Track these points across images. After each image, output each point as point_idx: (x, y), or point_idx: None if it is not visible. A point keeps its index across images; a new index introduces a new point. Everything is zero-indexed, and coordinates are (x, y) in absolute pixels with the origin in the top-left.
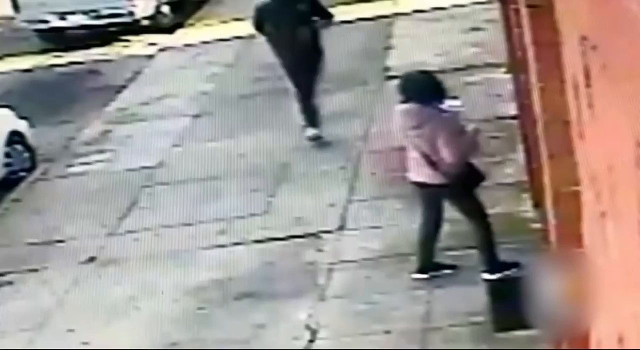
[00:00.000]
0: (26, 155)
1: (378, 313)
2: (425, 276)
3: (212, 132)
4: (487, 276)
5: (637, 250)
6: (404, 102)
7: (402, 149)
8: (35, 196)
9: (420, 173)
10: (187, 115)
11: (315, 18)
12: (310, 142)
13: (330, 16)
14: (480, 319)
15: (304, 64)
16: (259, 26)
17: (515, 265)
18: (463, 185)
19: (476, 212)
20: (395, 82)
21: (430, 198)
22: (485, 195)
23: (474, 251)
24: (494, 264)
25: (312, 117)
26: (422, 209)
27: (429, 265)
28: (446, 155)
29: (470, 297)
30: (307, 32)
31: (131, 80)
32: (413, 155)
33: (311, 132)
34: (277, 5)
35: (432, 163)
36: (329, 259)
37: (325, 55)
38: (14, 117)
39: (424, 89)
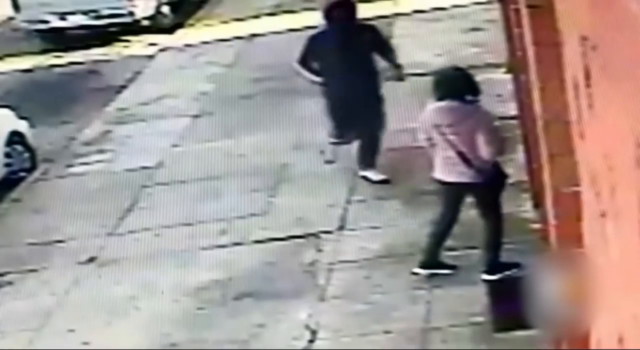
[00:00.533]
0: (26, 155)
1: (377, 313)
2: (425, 272)
3: (211, 132)
4: (486, 276)
5: (637, 250)
6: (440, 99)
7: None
8: (35, 196)
9: (450, 171)
10: (186, 115)
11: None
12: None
13: (395, 63)
14: (480, 319)
15: (360, 108)
16: (306, 59)
17: (516, 265)
18: (494, 184)
19: (495, 213)
20: (394, 82)
21: (455, 197)
22: None
23: (474, 251)
24: (495, 265)
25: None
26: (442, 207)
27: (433, 262)
28: (485, 152)
29: (470, 297)
30: (368, 69)
31: (131, 80)
32: (445, 154)
33: (375, 177)
34: (335, 36)
35: (466, 161)
36: (329, 259)
37: (384, 104)
38: (13, 117)
39: (460, 85)
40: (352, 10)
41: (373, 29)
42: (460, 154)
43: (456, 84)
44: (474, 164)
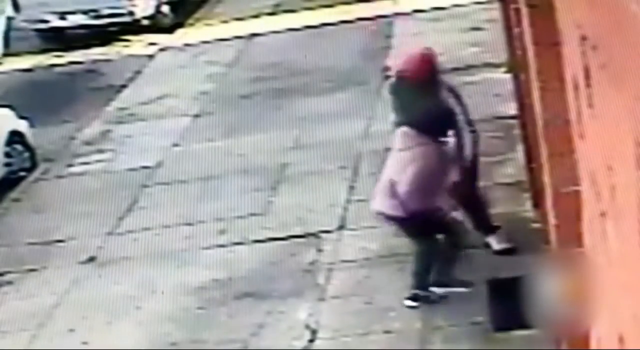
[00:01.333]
0: (26, 154)
1: (377, 312)
2: (416, 304)
3: (211, 132)
4: (407, 302)
5: (637, 250)
6: (404, 124)
7: None
8: (35, 196)
9: (379, 201)
10: (186, 115)
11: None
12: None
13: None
14: (479, 318)
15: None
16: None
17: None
18: (420, 224)
19: (424, 247)
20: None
21: (405, 230)
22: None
23: (473, 250)
24: (417, 293)
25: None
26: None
27: (423, 292)
28: (402, 188)
29: (470, 296)
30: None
31: (131, 79)
32: (382, 179)
33: (498, 245)
34: (406, 91)
35: (394, 193)
36: (329, 259)
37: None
38: (13, 116)
39: (425, 118)
40: (427, 64)
41: (451, 90)
42: (392, 185)
43: (420, 116)
44: (399, 196)
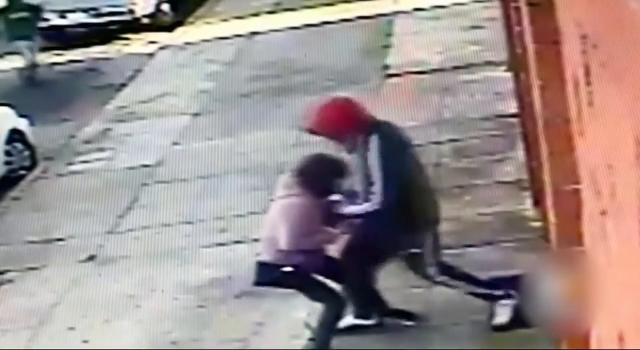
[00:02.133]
0: (26, 153)
1: None
2: (368, 322)
3: (211, 130)
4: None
5: (637, 249)
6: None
7: None
8: (35, 194)
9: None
10: (187, 113)
11: None
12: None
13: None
14: (480, 317)
15: None
16: None
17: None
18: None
19: (325, 301)
20: (395, 79)
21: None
22: (485, 193)
23: (473, 249)
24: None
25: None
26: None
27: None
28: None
29: (470, 296)
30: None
31: (131, 78)
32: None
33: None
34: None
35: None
36: None
37: None
38: (14, 115)
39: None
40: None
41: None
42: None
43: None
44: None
